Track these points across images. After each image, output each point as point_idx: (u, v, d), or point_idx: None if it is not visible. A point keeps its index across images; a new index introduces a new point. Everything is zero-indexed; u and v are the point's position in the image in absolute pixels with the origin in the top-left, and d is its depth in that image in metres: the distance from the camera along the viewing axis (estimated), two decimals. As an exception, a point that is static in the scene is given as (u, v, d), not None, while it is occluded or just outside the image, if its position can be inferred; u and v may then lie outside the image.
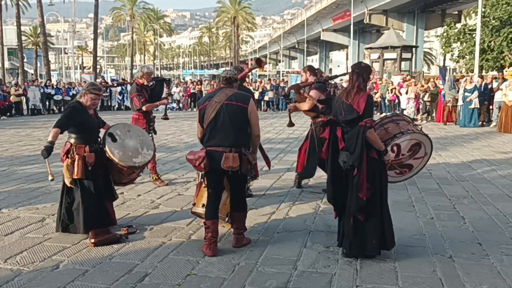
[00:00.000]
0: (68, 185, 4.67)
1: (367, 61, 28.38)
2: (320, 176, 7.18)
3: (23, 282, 3.72)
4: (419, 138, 4.56)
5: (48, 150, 4.36)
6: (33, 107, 21.81)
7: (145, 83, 6.78)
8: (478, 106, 15.44)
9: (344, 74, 7.28)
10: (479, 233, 4.87)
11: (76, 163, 4.53)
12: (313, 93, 6.22)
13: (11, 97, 20.90)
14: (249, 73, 5.87)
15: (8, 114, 20.75)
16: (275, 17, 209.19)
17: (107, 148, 4.72)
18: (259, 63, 6.19)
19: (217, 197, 4.42)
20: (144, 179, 7.47)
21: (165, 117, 7.49)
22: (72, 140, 4.62)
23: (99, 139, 4.81)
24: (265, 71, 63.68)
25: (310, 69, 6.58)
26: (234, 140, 4.22)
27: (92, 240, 4.43)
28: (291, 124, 6.41)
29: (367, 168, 3.98)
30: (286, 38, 72.15)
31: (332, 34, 55.74)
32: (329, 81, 6.36)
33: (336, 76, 7.63)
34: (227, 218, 4.59)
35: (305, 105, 6.22)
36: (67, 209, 4.68)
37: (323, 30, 55.85)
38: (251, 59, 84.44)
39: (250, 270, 3.94)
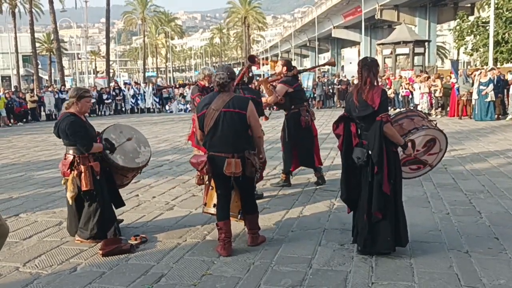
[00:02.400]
0: (69, 199, 4.59)
1: (379, 57, 28.09)
2: (334, 174, 7.16)
3: (42, 285, 3.79)
4: (434, 134, 4.52)
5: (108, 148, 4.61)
6: (49, 112, 22.12)
7: (207, 85, 6.80)
8: (494, 99, 15.24)
9: (311, 68, 8.90)
10: (496, 227, 4.81)
11: (83, 175, 4.46)
12: (279, 87, 6.57)
13: (27, 103, 21.24)
14: (249, 71, 5.85)
15: (25, 120, 21.08)
16: (286, 16, 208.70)
17: (109, 155, 4.68)
18: (252, 59, 6.17)
19: (226, 198, 4.41)
20: (158, 181, 7.54)
21: None
22: (72, 151, 4.55)
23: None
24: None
25: (287, 64, 6.84)
26: (236, 146, 4.19)
27: (101, 251, 4.34)
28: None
29: (388, 163, 3.98)
30: (297, 36, 71.87)
31: (343, 31, 55.36)
32: (299, 74, 7.02)
33: (304, 70, 8.51)
34: (239, 216, 4.60)
35: (270, 99, 6.56)
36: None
37: (334, 27, 55.51)
38: (263, 59, 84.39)
39: (265, 269, 3.95)
